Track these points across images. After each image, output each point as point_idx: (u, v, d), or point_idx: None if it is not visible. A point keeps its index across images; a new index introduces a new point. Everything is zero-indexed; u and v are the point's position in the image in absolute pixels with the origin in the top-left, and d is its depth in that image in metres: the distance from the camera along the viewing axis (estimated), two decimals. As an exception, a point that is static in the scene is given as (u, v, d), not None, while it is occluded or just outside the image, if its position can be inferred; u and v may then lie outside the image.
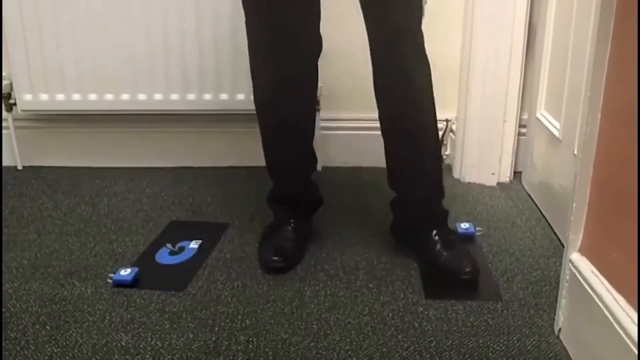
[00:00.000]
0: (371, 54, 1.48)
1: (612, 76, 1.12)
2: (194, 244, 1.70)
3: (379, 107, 1.53)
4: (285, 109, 1.57)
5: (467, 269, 1.49)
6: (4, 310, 1.41)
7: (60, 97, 2.14)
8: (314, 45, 1.54)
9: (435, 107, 1.53)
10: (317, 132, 1.96)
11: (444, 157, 2.27)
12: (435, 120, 1.54)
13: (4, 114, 2.21)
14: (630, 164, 1.05)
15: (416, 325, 1.35)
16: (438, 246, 1.55)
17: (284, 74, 1.51)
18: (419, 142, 1.54)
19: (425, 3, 2.10)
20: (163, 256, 1.65)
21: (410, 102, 1.50)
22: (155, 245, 1.71)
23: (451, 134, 2.22)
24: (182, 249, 1.69)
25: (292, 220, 1.66)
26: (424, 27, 1.47)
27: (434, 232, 1.57)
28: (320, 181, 1.74)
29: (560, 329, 1.30)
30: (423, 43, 1.47)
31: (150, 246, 1.71)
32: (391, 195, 1.64)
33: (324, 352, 1.27)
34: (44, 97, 2.14)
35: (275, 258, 1.57)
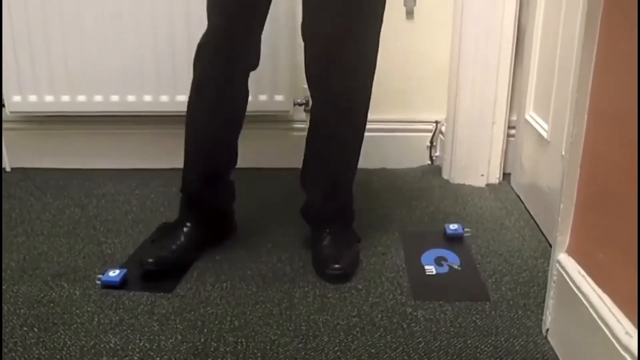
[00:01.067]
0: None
1: (598, 78, 1.13)
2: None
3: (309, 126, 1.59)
4: (219, 82, 1.54)
5: (337, 265, 1.52)
6: (-9, 312, 1.40)
7: (49, 98, 2.13)
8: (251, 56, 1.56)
9: (366, 117, 1.59)
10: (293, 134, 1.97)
11: (434, 158, 2.27)
12: (363, 133, 1.61)
13: (-7, 115, 2.20)
14: (617, 165, 1.06)
15: (405, 326, 1.36)
16: (326, 241, 1.59)
17: (226, 40, 1.51)
18: (341, 156, 1.61)
19: (414, 5, 2.12)
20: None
21: (345, 121, 1.56)
22: (144, 246, 1.70)
23: (440, 135, 2.23)
24: (171, 250, 1.68)
25: (188, 223, 1.62)
26: (413, 28, 1.48)
27: (327, 229, 1.61)
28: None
29: (547, 330, 1.31)
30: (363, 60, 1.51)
31: (139, 248, 1.70)
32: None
33: (312, 353, 1.27)
34: (33, 98, 2.13)
35: (150, 260, 1.54)
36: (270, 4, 1.52)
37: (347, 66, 1.48)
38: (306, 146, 1.62)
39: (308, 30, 1.49)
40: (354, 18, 1.44)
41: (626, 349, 0.99)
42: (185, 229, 1.61)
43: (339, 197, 1.65)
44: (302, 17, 1.49)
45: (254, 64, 1.57)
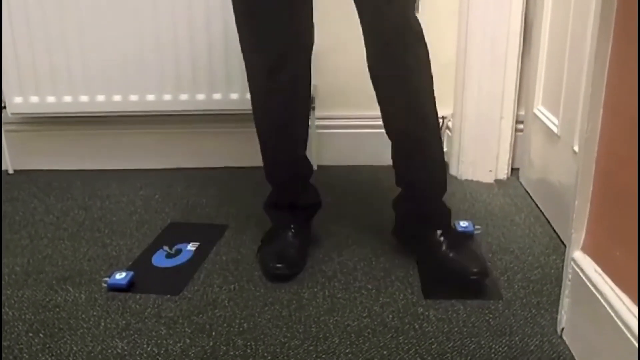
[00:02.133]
0: (367, 54, 1.44)
1: (614, 72, 1.10)
2: (191, 247, 1.68)
3: (378, 100, 1.50)
4: (276, 105, 1.53)
5: (475, 269, 1.44)
6: (-4, 318, 1.38)
7: (50, 99, 2.11)
8: (304, 35, 1.49)
9: (435, 102, 1.50)
10: (313, 132, 1.95)
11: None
12: (437, 117, 1.51)
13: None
14: (633, 161, 1.03)
15: (416, 326, 1.33)
16: (444, 247, 1.50)
17: (272, 64, 1.46)
18: (423, 142, 1.51)
19: (420, -1, 2.09)
20: (159, 259, 1.63)
21: (412, 107, 1.47)
22: (153, 247, 1.69)
23: (447, 131, 2.21)
24: (179, 251, 1.66)
25: (292, 226, 1.62)
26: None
27: (439, 232, 1.53)
28: (316, 180, 1.71)
29: (563, 329, 1.28)
30: (422, 32, 1.43)
31: (147, 249, 1.68)
32: (393, 194, 1.60)
33: (323, 356, 1.25)
34: (34, 99, 2.11)
35: (279, 265, 1.53)
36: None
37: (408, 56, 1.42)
38: (389, 136, 1.56)
39: (369, 26, 1.42)
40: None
41: (647, 349, 0.96)
42: (292, 231, 1.61)
43: (437, 185, 1.58)
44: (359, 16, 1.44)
45: (311, 41, 1.53)
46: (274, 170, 1.63)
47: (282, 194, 1.65)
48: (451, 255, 1.49)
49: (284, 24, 1.44)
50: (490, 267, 1.55)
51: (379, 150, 2.10)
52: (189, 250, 1.66)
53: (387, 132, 1.54)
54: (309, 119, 1.62)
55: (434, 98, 1.48)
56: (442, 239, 1.51)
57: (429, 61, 1.46)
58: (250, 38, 1.47)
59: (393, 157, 1.57)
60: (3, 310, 1.41)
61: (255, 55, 1.48)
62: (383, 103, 1.49)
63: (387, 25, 1.38)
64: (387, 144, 2.00)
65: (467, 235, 1.70)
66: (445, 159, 2.20)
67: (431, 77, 1.47)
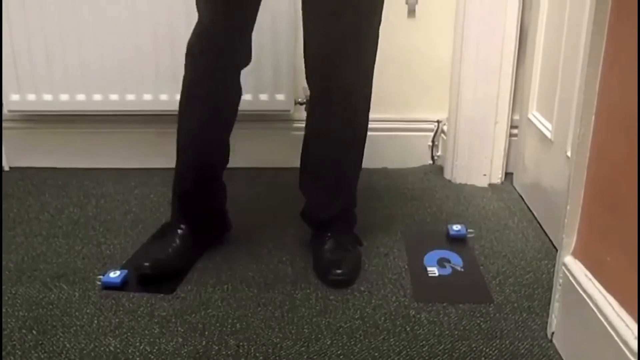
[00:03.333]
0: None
1: (607, 78, 1.11)
2: (184, 247, 1.68)
3: (307, 113, 1.58)
4: (209, 79, 1.52)
5: (339, 271, 1.50)
6: (-11, 314, 1.39)
7: (47, 97, 2.12)
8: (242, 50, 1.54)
9: (368, 120, 1.57)
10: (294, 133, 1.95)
11: (436, 158, 2.26)
12: (365, 134, 1.59)
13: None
14: (625, 166, 1.04)
15: (408, 329, 1.34)
16: (327, 245, 1.57)
17: (216, 35, 1.49)
18: (343, 158, 1.58)
19: (417, 3, 2.11)
20: (153, 259, 1.63)
21: (345, 122, 1.54)
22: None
23: (442, 135, 2.22)
24: (172, 251, 1.66)
25: (183, 225, 1.59)
26: (414, 27, 1.46)
27: (329, 233, 1.59)
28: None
29: (553, 333, 1.29)
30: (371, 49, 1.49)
31: (141, 247, 1.68)
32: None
33: (315, 357, 1.26)
34: (32, 97, 2.12)
35: (146, 264, 1.51)
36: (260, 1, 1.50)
37: (348, 66, 1.46)
38: (303, 148, 1.60)
39: (308, 31, 1.47)
40: (354, 17, 1.42)
41: (635, 353, 0.97)
42: (179, 232, 1.59)
43: (340, 200, 1.62)
44: (302, 19, 1.47)
45: (246, 61, 1.56)
46: (180, 151, 1.61)
47: (182, 182, 1.61)
48: (328, 254, 1.56)
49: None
50: (479, 270, 1.56)
51: (372, 153, 2.10)
52: (183, 250, 1.66)
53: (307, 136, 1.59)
54: (240, 97, 1.61)
55: (366, 121, 1.57)
56: (328, 236, 1.59)
57: (369, 91, 1.55)
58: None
59: (307, 159, 1.60)
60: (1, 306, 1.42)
61: (203, 15, 1.51)
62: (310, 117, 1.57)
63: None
64: (378, 146, 2.01)
65: (456, 238, 1.71)
66: (440, 163, 2.22)
67: (367, 109, 1.56)
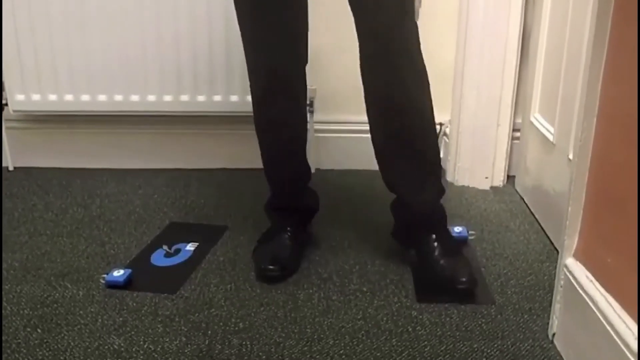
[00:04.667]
0: (361, 59, 1.45)
1: (608, 81, 1.12)
2: (190, 246, 1.69)
3: (370, 115, 1.50)
4: (276, 108, 1.55)
5: (463, 279, 1.45)
6: (-6, 312, 1.40)
7: (52, 97, 2.13)
8: (300, 39, 1.53)
9: (432, 107, 1.48)
10: (311, 135, 1.96)
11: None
12: (433, 122, 1.50)
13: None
14: (626, 168, 1.05)
15: (410, 329, 1.35)
16: (436, 252, 1.51)
17: (273, 74, 1.51)
18: (417, 148, 1.50)
19: (420, 6, 2.11)
20: (158, 258, 1.65)
21: (405, 111, 1.45)
22: (152, 246, 1.71)
23: (445, 137, 2.22)
24: (177, 251, 1.68)
25: (288, 228, 1.63)
26: (418, 30, 1.46)
27: (433, 236, 1.53)
28: (313, 183, 1.73)
29: (554, 334, 1.30)
30: (418, 46, 1.44)
31: (146, 247, 1.70)
32: (391, 198, 1.61)
33: (317, 356, 1.26)
34: (36, 97, 2.13)
35: (271, 267, 1.54)
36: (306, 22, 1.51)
37: (401, 27, 1.40)
38: (372, 130, 1.53)
39: (362, 27, 1.43)
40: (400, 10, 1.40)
41: (635, 354, 0.98)
42: (289, 234, 1.62)
43: (431, 188, 1.55)
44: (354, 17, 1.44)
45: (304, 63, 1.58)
46: (272, 171, 1.65)
47: (279, 195, 1.67)
48: (442, 262, 1.50)
49: (282, 26, 1.46)
50: (481, 276, 1.57)
51: (373, 156, 2.11)
52: (188, 250, 1.68)
53: (371, 131, 1.53)
54: (306, 121, 1.64)
55: (428, 101, 1.47)
56: (435, 244, 1.52)
57: (422, 70, 1.45)
58: (249, 38, 1.49)
59: (377, 157, 1.55)
60: (2, 305, 1.43)
61: (255, 56, 1.50)
62: (368, 97, 1.49)
63: (375, 30, 1.39)
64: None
65: (461, 242, 1.71)
66: (442, 165, 2.23)
67: (423, 82, 1.46)
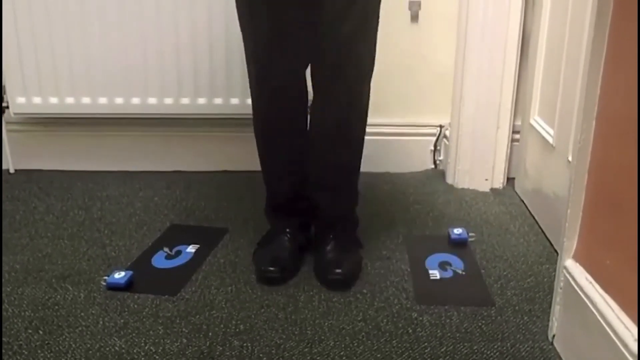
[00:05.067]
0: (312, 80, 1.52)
1: (607, 83, 1.13)
2: (190, 249, 1.70)
3: (310, 129, 1.59)
4: (277, 114, 1.57)
5: (338, 270, 1.51)
6: (-4, 314, 1.40)
7: (53, 100, 2.13)
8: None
9: (365, 130, 1.59)
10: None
11: (438, 162, 2.27)
12: (363, 136, 1.61)
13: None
14: (625, 171, 1.06)
15: (410, 331, 1.35)
16: (329, 246, 1.59)
17: (274, 81, 1.52)
18: (347, 174, 1.62)
19: (420, 9, 2.12)
20: (159, 260, 1.65)
21: (343, 139, 1.57)
22: (153, 248, 1.71)
23: (444, 140, 2.23)
24: (178, 253, 1.68)
25: (288, 230, 1.64)
26: (417, 33, 1.48)
27: (331, 235, 1.61)
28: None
29: (554, 335, 1.30)
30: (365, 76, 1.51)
31: (147, 249, 1.70)
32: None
33: (318, 358, 1.27)
34: (37, 100, 2.13)
35: (271, 268, 1.55)
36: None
37: (351, 71, 1.47)
38: (310, 149, 1.61)
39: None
40: (357, 24, 1.43)
41: (634, 355, 0.98)
42: (289, 236, 1.64)
43: (343, 201, 1.65)
44: None
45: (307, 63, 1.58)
46: (271, 174, 1.66)
47: (278, 197, 1.68)
48: (330, 255, 1.57)
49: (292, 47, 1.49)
50: (481, 274, 1.57)
51: (375, 157, 2.12)
52: (189, 252, 1.68)
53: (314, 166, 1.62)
54: (306, 125, 1.64)
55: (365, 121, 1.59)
56: (331, 236, 1.61)
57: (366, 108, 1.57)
58: (249, 43, 1.50)
59: (315, 169, 1.63)
60: (3, 307, 1.43)
61: (256, 65, 1.51)
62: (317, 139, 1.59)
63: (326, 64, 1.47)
64: (381, 150, 2.03)
65: (457, 242, 1.72)
66: (442, 168, 2.24)
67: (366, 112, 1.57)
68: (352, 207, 1.68)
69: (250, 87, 1.56)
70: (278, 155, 1.63)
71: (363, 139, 1.61)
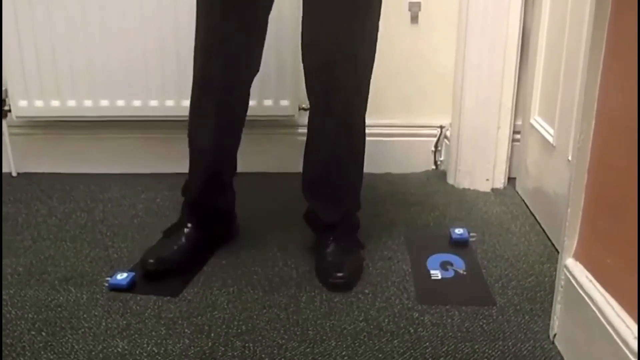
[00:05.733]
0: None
1: (606, 82, 1.13)
2: (192, 250, 1.70)
3: (309, 125, 1.59)
4: (218, 85, 1.55)
5: (340, 274, 1.51)
6: (-1, 316, 1.41)
7: (55, 103, 2.14)
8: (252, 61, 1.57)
9: (365, 128, 1.59)
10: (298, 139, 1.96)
11: (439, 163, 2.28)
12: (364, 139, 1.61)
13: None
14: (625, 169, 1.06)
15: (412, 330, 1.36)
16: (329, 248, 1.58)
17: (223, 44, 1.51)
18: (345, 163, 1.60)
19: (420, 10, 2.13)
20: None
21: (344, 132, 1.55)
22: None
23: (445, 140, 2.24)
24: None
25: (189, 224, 1.63)
26: (417, 33, 1.48)
27: (332, 237, 1.61)
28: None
29: (555, 335, 1.31)
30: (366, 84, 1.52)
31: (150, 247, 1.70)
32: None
33: (319, 358, 1.27)
34: (39, 103, 2.14)
35: (150, 260, 1.55)
36: (270, 9, 1.52)
37: (347, 75, 1.48)
38: (305, 154, 1.62)
39: (307, 42, 1.50)
40: (353, 27, 1.44)
41: (635, 353, 0.99)
42: (186, 230, 1.62)
43: (343, 204, 1.65)
44: (301, 29, 1.50)
45: (256, 69, 1.58)
46: (191, 154, 1.64)
47: (190, 184, 1.66)
48: (330, 258, 1.57)
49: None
50: (482, 273, 1.58)
51: (376, 158, 2.12)
52: (190, 253, 1.68)
53: (309, 169, 1.63)
54: (246, 111, 1.64)
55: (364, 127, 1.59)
56: (331, 238, 1.60)
57: (364, 110, 1.57)
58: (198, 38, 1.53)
59: (308, 164, 1.63)
60: (5, 309, 1.44)
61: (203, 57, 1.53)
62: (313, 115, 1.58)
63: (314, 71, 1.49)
64: (382, 151, 2.03)
65: (458, 242, 1.73)
66: (443, 168, 2.24)
67: (364, 109, 1.57)
68: (353, 210, 1.68)
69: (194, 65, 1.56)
70: (203, 140, 1.61)
71: (364, 141, 1.61)
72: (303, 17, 1.49)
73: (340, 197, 1.63)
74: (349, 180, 1.63)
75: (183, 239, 1.61)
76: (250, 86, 1.60)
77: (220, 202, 1.68)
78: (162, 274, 1.55)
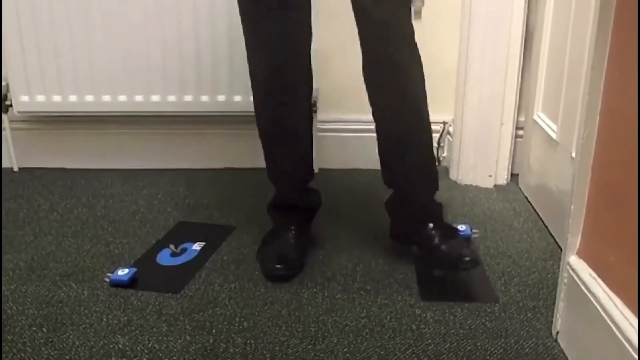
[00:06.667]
0: (361, 46, 1.46)
1: (611, 79, 1.12)
2: (196, 246, 1.70)
3: (371, 102, 1.51)
4: (276, 105, 1.55)
5: (467, 258, 1.46)
6: None
7: (56, 98, 2.13)
8: (302, 38, 1.52)
9: (427, 102, 1.52)
10: (314, 135, 1.96)
11: (441, 159, 2.27)
12: (428, 114, 1.53)
13: None
14: (629, 166, 1.05)
15: (414, 327, 1.35)
16: (436, 240, 1.53)
17: (275, 74, 1.50)
18: (414, 138, 1.53)
19: (423, 5, 2.12)
20: (164, 257, 1.65)
21: (404, 97, 1.48)
22: (159, 245, 1.72)
23: (448, 136, 2.23)
24: (184, 250, 1.68)
25: (292, 227, 1.63)
26: (420, 29, 1.47)
27: (430, 225, 1.55)
28: (317, 183, 1.73)
29: (558, 332, 1.30)
30: (413, 36, 1.45)
31: (153, 246, 1.71)
32: (386, 196, 1.62)
33: (321, 355, 1.27)
34: (41, 98, 2.13)
35: (278, 266, 1.55)
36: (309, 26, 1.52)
37: (398, 33, 1.43)
38: (379, 144, 1.57)
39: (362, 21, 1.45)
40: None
41: (637, 350, 0.98)
42: (293, 233, 1.63)
43: (428, 179, 1.59)
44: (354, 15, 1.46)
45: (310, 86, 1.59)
46: (275, 171, 1.65)
47: (282, 194, 1.67)
48: (443, 247, 1.51)
49: (283, 26, 1.46)
50: (484, 270, 1.57)
51: (376, 156, 2.11)
52: (194, 250, 1.68)
53: (378, 132, 1.55)
54: (311, 121, 1.64)
55: (425, 97, 1.50)
56: (433, 232, 1.54)
57: (420, 61, 1.48)
58: (252, 39, 1.49)
59: (382, 156, 1.57)
60: (7, 305, 1.43)
61: (257, 56, 1.50)
62: (374, 103, 1.51)
63: (372, 25, 1.41)
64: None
65: (456, 228, 1.71)
66: (446, 164, 2.23)
67: (422, 76, 1.49)
68: (435, 186, 1.61)
69: (252, 81, 1.55)
70: (280, 146, 1.61)
71: (427, 105, 1.53)
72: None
73: (422, 158, 1.57)
74: (424, 150, 1.57)
75: (293, 240, 1.62)
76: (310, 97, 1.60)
77: (312, 201, 1.71)
78: (292, 276, 1.56)
